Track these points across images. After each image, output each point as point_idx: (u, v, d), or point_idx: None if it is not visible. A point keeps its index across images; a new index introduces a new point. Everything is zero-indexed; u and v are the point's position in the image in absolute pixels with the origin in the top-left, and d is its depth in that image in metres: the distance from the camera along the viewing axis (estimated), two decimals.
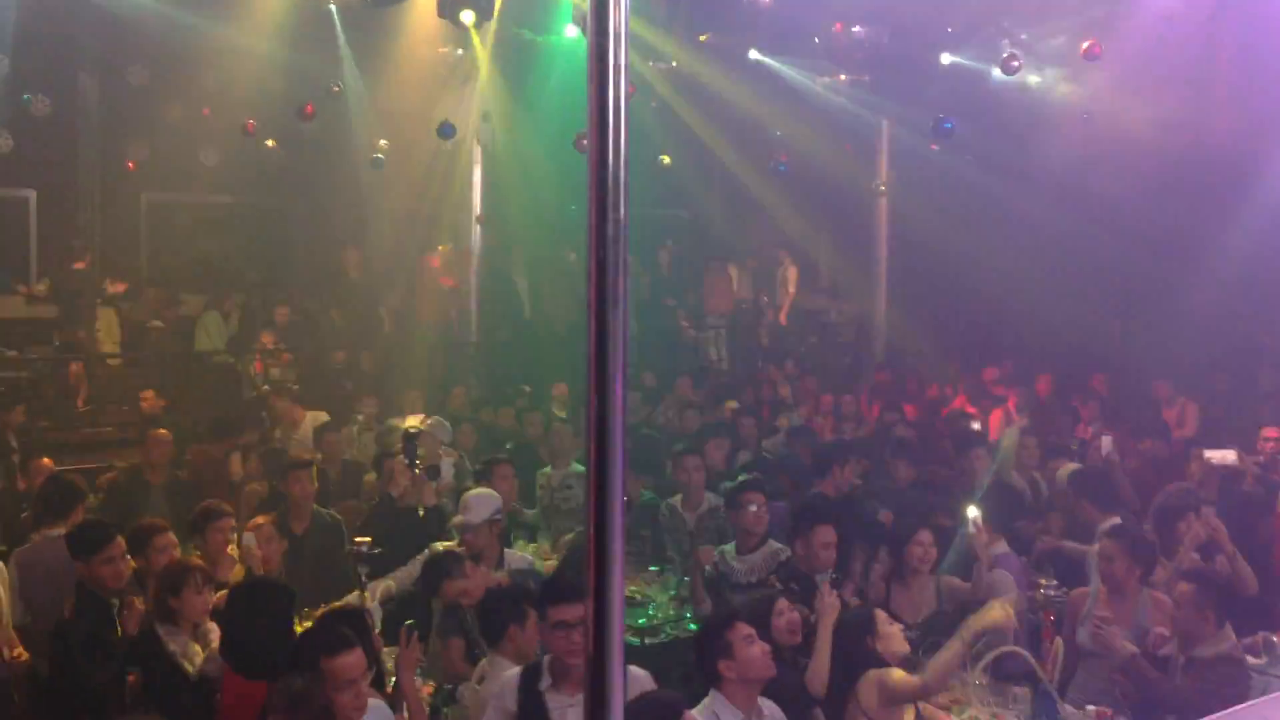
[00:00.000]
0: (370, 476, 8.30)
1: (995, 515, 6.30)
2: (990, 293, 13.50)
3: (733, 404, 10.85)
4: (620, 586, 1.94)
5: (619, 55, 1.99)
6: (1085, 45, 9.45)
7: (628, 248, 1.98)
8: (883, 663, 4.71)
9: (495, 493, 6.40)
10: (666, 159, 13.49)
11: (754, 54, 13.09)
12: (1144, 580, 5.43)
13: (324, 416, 9.83)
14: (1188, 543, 5.90)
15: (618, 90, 2.01)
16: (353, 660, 4.08)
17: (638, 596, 6.56)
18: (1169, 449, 8.35)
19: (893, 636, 4.83)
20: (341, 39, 12.24)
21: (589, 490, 1.97)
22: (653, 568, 7.10)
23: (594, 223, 2.02)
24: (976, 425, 9.55)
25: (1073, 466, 7.48)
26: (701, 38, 12.49)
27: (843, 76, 13.31)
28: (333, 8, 11.81)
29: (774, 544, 6.27)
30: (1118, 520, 6.00)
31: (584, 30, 11.11)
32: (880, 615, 4.94)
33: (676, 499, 7.52)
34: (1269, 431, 8.06)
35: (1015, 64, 10.43)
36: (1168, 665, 5.03)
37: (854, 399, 11.01)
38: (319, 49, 12.11)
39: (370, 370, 12.42)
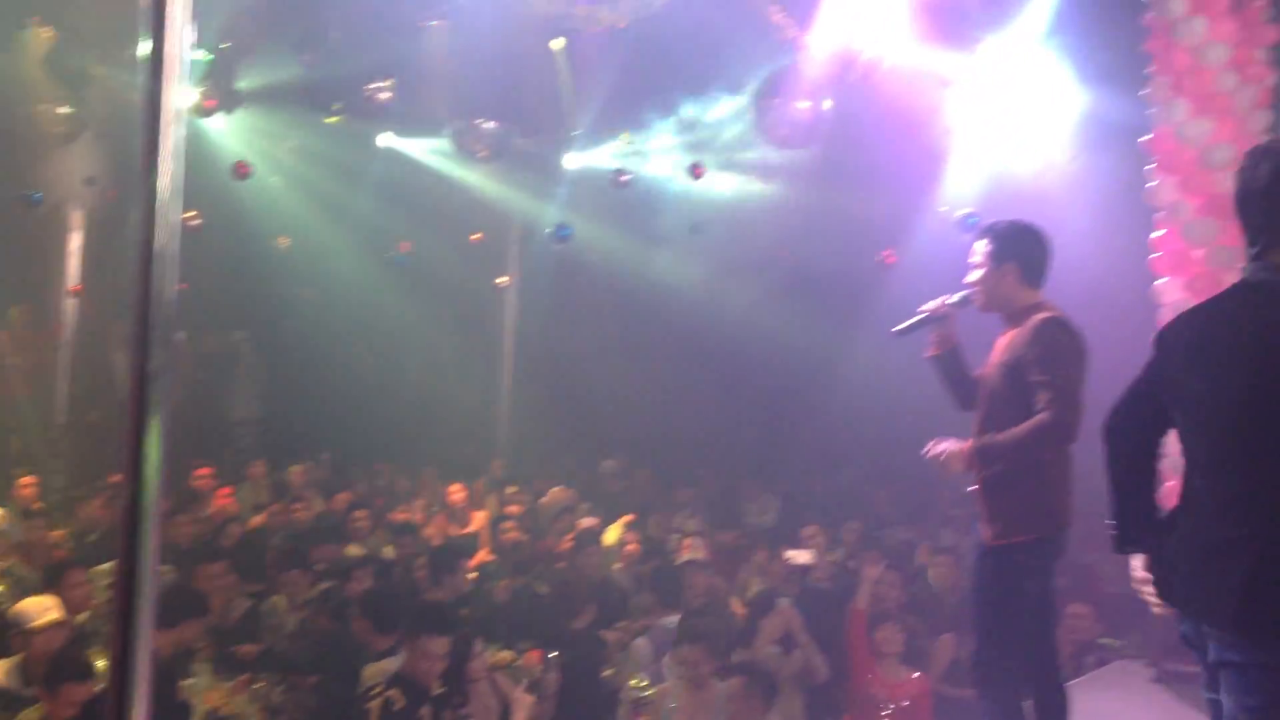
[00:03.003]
0: None
1: (604, 612, 6.49)
2: (612, 389, 14.01)
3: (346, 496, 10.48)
4: (147, 689, 1.80)
5: (167, 138, 1.95)
6: (690, 165, 10.13)
7: (172, 326, 1.91)
8: None
9: (51, 600, 5.75)
10: (284, 240, 13.09)
11: (386, 138, 13.03)
12: (719, 672, 5.74)
13: None
14: (765, 634, 6.31)
15: (168, 172, 1.96)
16: None
17: (221, 710, 6.10)
18: (749, 541, 8.87)
19: None
20: None
21: (117, 586, 1.83)
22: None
23: (139, 303, 1.92)
24: (590, 522, 9.73)
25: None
26: (331, 120, 12.28)
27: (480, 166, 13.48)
28: None
29: None
30: (680, 618, 6.35)
31: (210, 91, 10.79)
32: None
33: (280, 599, 7.14)
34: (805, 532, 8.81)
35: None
36: None
37: (467, 492, 10.94)
38: None
39: None
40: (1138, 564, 3.04)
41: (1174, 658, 6.31)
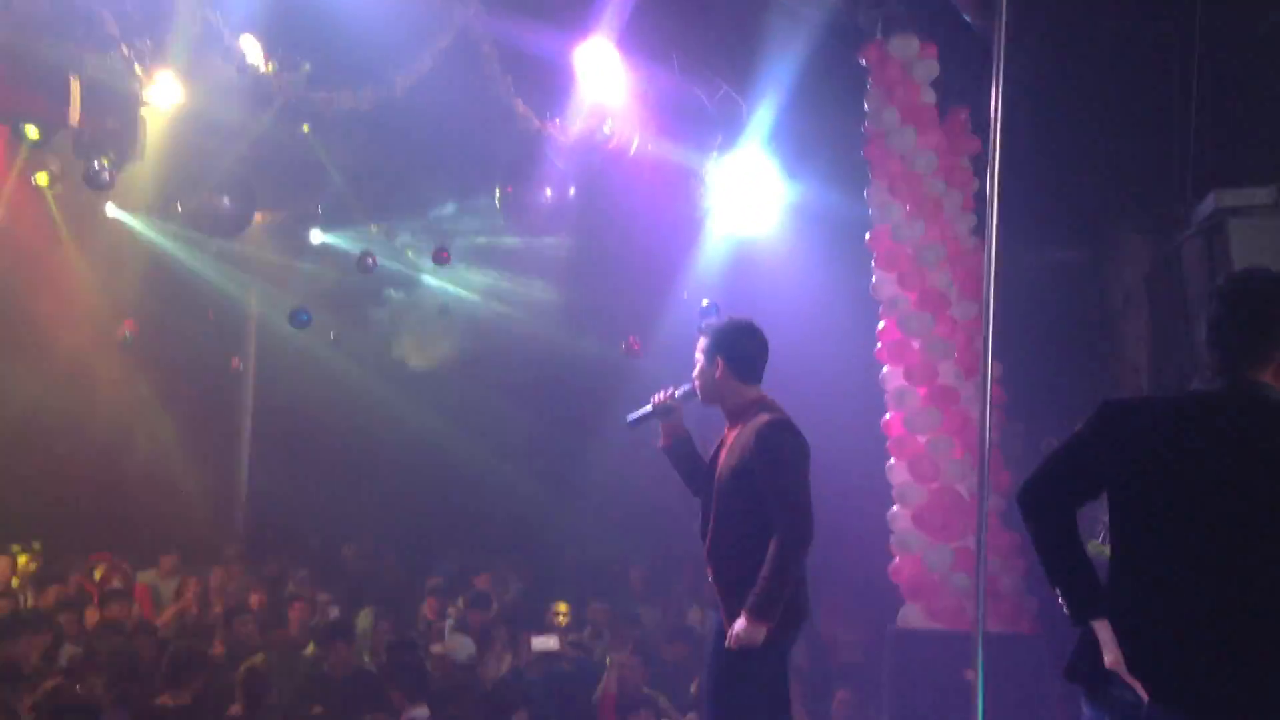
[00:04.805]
0: None
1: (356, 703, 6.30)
2: (356, 470, 13.71)
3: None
4: None
5: None
6: (436, 250, 10.16)
7: None
8: None
9: None
10: None
11: (113, 210, 12.36)
12: None
13: None
14: None
15: None
16: None
17: None
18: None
19: None
20: None
21: None
22: None
23: None
24: (335, 612, 9.42)
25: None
26: (52, 190, 11.56)
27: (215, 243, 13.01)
28: None
29: None
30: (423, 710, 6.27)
31: None
32: None
33: None
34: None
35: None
36: None
37: (201, 584, 10.37)
38: None
39: None
40: (1107, 642, 3.00)
41: None
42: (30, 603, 9.57)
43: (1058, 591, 3.12)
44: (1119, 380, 7.88)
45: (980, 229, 7.17)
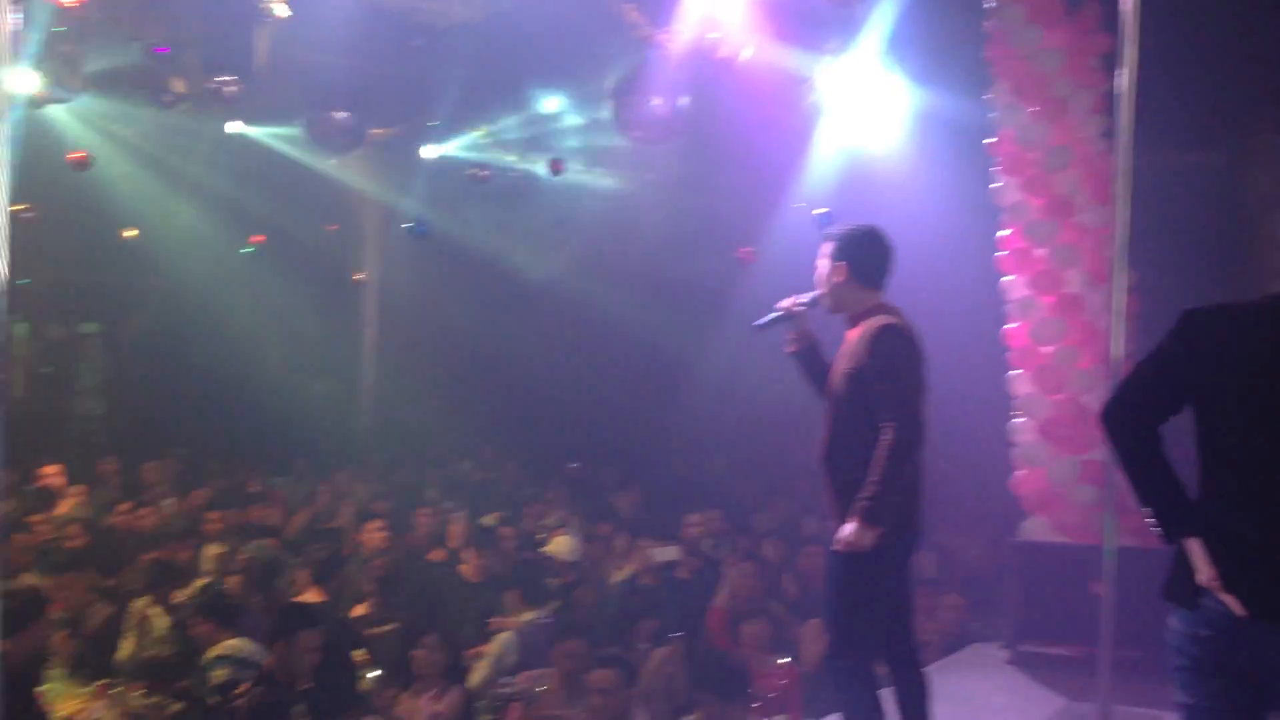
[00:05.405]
0: None
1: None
2: (477, 382, 13.99)
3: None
4: None
5: None
6: (550, 161, 10.14)
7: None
8: None
9: None
10: (132, 231, 12.69)
11: (235, 127, 12.62)
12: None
13: None
14: (641, 633, 6.46)
15: None
16: None
17: (77, 717, 5.93)
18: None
19: None
20: None
21: None
22: None
23: None
24: (462, 518, 9.69)
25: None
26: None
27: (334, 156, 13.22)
28: None
29: None
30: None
31: (50, 79, 10.27)
32: None
33: (143, 601, 6.96)
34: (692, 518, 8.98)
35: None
36: None
37: (332, 490, 10.75)
38: None
39: None
40: (1200, 559, 2.92)
41: (1028, 639, 6.64)
42: (177, 507, 10.07)
43: (1147, 511, 3.02)
44: (1256, 288, 7.56)
45: (1110, 131, 6.88)
